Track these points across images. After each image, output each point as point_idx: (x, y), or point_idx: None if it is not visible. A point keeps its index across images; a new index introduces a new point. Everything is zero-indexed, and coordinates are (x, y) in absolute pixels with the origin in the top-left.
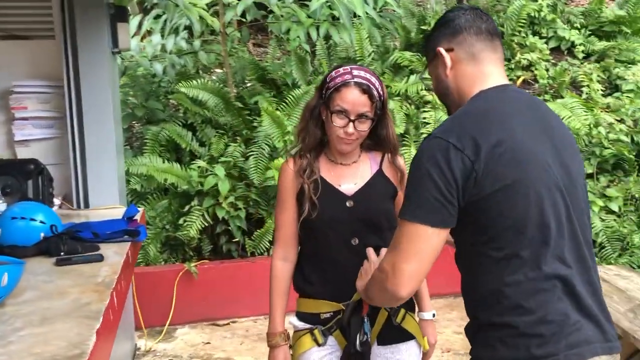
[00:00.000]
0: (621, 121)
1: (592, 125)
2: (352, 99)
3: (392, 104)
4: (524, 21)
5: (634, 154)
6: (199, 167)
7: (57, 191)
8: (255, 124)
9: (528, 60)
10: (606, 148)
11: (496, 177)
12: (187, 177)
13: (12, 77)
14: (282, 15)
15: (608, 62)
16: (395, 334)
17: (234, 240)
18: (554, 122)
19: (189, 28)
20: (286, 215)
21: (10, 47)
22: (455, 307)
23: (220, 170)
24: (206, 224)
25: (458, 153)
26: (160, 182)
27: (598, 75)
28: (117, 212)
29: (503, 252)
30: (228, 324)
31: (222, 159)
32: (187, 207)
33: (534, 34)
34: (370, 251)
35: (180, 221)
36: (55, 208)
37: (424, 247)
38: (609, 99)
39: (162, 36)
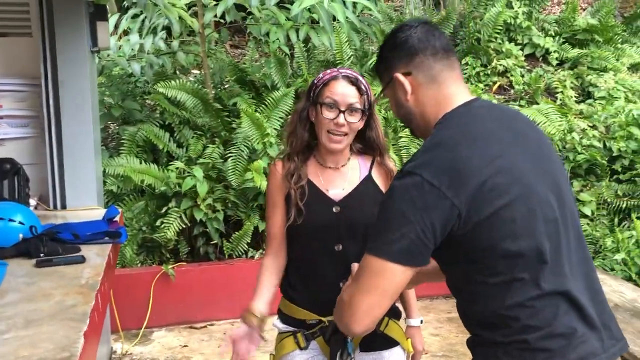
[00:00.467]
0: (594, 127)
1: (566, 131)
2: (342, 90)
3: None
4: (500, 28)
5: (606, 159)
6: (177, 168)
7: (32, 191)
8: (234, 126)
9: (504, 66)
10: (579, 153)
11: (481, 207)
12: (165, 179)
13: None
14: (261, 18)
15: (581, 70)
16: (378, 341)
17: (211, 242)
18: (528, 130)
19: (167, 28)
20: (277, 218)
21: None
22: (431, 309)
23: (198, 171)
24: (184, 226)
25: (434, 190)
26: (137, 183)
27: (571, 82)
28: (95, 213)
29: (501, 278)
30: (205, 326)
31: (201, 160)
32: (164, 209)
33: (510, 40)
34: (354, 267)
35: (158, 223)
36: (31, 209)
37: (387, 285)
38: (582, 106)
39: (140, 36)
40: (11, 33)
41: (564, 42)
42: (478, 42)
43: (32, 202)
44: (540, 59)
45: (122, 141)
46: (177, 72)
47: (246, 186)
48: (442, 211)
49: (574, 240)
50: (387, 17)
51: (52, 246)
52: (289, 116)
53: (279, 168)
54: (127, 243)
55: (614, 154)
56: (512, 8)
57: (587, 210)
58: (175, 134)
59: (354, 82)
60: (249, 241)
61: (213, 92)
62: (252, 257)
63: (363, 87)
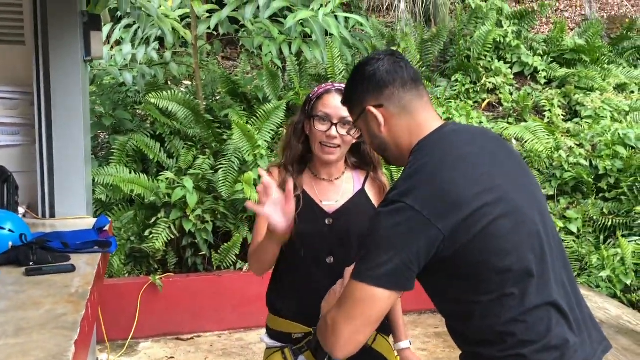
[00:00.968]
0: (580, 146)
1: (553, 149)
2: (334, 103)
3: None
4: (489, 46)
5: (592, 177)
6: (167, 178)
7: (21, 200)
8: (224, 137)
9: (493, 83)
10: (566, 171)
11: (467, 229)
12: (154, 189)
13: None
14: (254, 31)
15: (568, 89)
16: (366, 356)
17: (200, 253)
18: (499, 149)
19: (160, 39)
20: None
21: None
22: (419, 324)
23: (188, 182)
24: (172, 237)
25: (417, 216)
26: (126, 193)
27: (559, 101)
28: (84, 222)
29: (493, 295)
30: (192, 338)
31: (191, 171)
32: (153, 219)
33: (499, 58)
34: (347, 272)
35: (146, 233)
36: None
37: (370, 311)
38: (569, 124)
39: (133, 46)
40: (4, 41)
41: (552, 62)
42: (468, 59)
43: (21, 210)
44: (529, 77)
45: (112, 150)
46: (169, 83)
47: (236, 198)
48: (425, 236)
49: (555, 250)
50: (378, 33)
51: (42, 255)
52: (282, 129)
53: (274, 176)
54: (115, 253)
55: (600, 172)
56: (502, 27)
57: (573, 228)
58: (165, 145)
59: None
60: (238, 253)
61: (204, 103)
62: (241, 269)
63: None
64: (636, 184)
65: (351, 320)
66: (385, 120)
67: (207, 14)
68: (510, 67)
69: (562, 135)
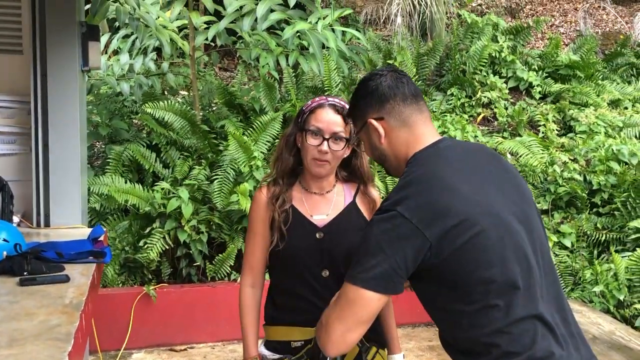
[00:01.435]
0: (575, 160)
1: (547, 163)
2: (327, 118)
3: None
4: (485, 61)
5: (586, 192)
6: (162, 188)
7: (16, 208)
8: (220, 148)
9: (488, 98)
10: (560, 186)
11: (453, 239)
12: (149, 199)
13: None
14: (251, 42)
15: (563, 104)
16: None
17: (194, 264)
18: (493, 163)
19: (157, 49)
20: (255, 243)
21: None
22: (413, 337)
23: (184, 192)
24: (167, 247)
25: (407, 223)
26: (121, 202)
27: (554, 116)
28: (79, 231)
29: (478, 305)
30: (185, 349)
31: (186, 181)
32: (148, 229)
33: (495, 73)
34: None
35: (141, 243)
36: (14, 226)
37: (362, 311)
38: (564, 139)
39: (130, 56)
40: (3, 50)
41: (546, 77)
42: (463, 73)
43: (16, 219)
44: (524, 92)
45: (108, 160)
46: (166, 93)
47: (231, 208)
48: (413, 243)
49: (543, 265)
50: (375, 46)
51: (36, 265)
52: (277, 140)
53: (263, 193)
54: (109, 263)
55: (593, 188)
56: (498, 42)
57: (567, 242)
58: (161, 155)
59: (340, 111)
60: (232, 264)
61: (201, 114)
62: (235, 280)
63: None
64: (629, 200)
65: (343, 319)
66: (386, 133)
67: (205, 25)
68: (506, 82)
69: (556, 150)
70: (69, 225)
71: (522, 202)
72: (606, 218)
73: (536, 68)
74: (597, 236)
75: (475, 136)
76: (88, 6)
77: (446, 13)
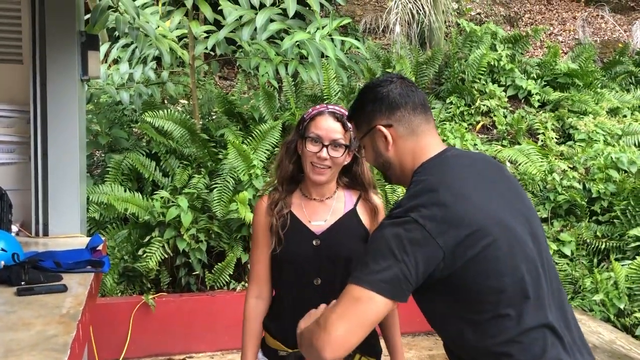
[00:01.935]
0: (574, 169)
1: (547, 172)
2: (326, 125)
3: None
4: (484, 69)
5: (586, 200)
6: (161, 197)
7: (15, 218)
8: (220, 157)
9: (487, 106)
10: (560, 194)
11: (466, 249)
12: (149, 207)
13: None
14: (251, 52)
15: (562, 112)
16: None
17: (193, 273)
18: (497, 173)
19: (157, 58)
20: (259, 252)
21: None
22: (413, 346)
23: (183, 201)
24: (166, 256)
25: (422, 230)
26: (120, 211)
27: (553, 124)
28: (77, 240)
29: (489, 315)
30: (184, 359)
31: (186, 190)
32: (147, 238)
33: (493, 81)
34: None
35: (140, 252)
36: (12, 235)
37: (366, 313)
38: (563, 147)
39: (130, 65)
40: (2, 59)
41: (545, 85)
42: (462, 82)
43: (14, 228)
44: (523, 100)
45: (108, 169)
46: (166, 102)
47: (230, 217)
48: (427, 251)
49: (549, 273)
50: (374, 55)
51: (34, 274)
52: (277, 149)
53: (264, 201)
54: (108, 272)
55: (593, 196)
56: (496, 50)
57: (567, 251)
58: (161, 163)
59: (339, 119)
60: (232, 273)
61: (201, 122)
62: (234, 289)
63: (349, 124)
64: (629, 208)
65: (346, 319)
66: (393, 140)
67: (205, 35)
68: (504, 90)
69: (555, 158)
70: (67, 234)
71: (527, 211)
72: (606, 226)
73: (535, 76)
74: (596, 244)
75: (475, 144)
76: (88, 16)
77: (445, 22)
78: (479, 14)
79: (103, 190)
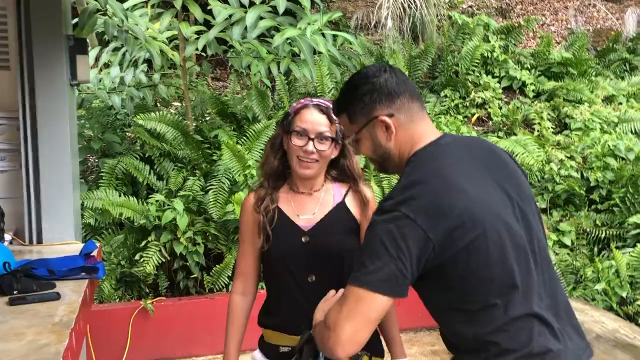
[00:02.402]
0: (571, 158)
1: (544, 162)
2: (312, 119)
3: None
4: (477, 61)
5: (584, 189)
6: (157, 201)
7: (7, 226)
8: (214, 158)
9: (482, 98)
10: (558, 184)
11: (456, 240)
12: (144, 212)
13: None
14: (242, 51)
15: (557, 101)
16: None
17: (191, 276)
18: (493, 159)
19: (148, 61)
20: (245, 249)
21: None
22: (415, 342)
23: (178, 204)
24: (163, 260)
25: (412, 224)
26: (115, 216)
27: (548, 114)
28: (73, 247)
29: (479, 304)
30: None
31: (181, 192)
32: (143, 242)
33: (487, 73)
34: (330, 292)
35: (137, 257)
36: (5, 244)
37: (370, 311)
38: (559, 137)
39: (121, 69)
40: None
41: (539, 75)
42: (456, 74)
43: (7, 237)
44: (517, 91)
45: (102, 174)
46: (158, 105)
47: (227, 218)
48: (418, 243)
49: (541, 262)
50: (367, 51)
51: (26, 283)
52: None
53: (250, 198)
54: (105, 278)
55: (591, 184)
56: (489, 42)
57: (567, 240)
58: (155, 167)
59: (325, 111)
60: (230, 274)
61: (194, 124)
62: None
63: (334, 116)
64: (628, 195)
65: (351, 319)
66: (395, 130)
67: (195, 36)
68: (499, 82)
69: (552, 148)
70: (62, 241)
71: (521, 198)
72: (605, 214)
73: (529, 67)
74: (596, 233)
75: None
76: (76, 20)
77: (437, 15)
78: (470, 6)
79: (97, 196)
